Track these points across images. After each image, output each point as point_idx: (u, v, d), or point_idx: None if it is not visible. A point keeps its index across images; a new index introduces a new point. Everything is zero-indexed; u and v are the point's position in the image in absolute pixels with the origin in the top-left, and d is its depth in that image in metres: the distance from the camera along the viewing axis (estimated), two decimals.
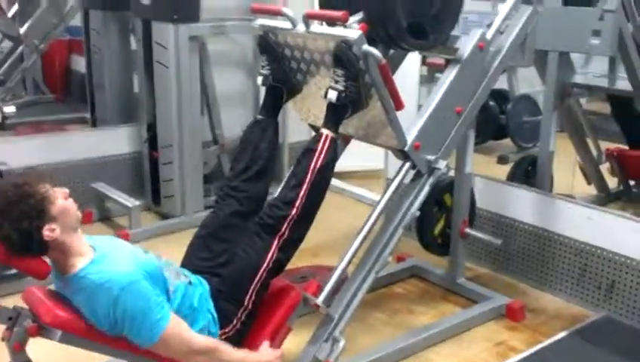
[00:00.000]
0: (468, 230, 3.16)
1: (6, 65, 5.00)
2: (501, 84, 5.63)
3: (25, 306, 1.90)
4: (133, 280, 1.80)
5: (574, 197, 3.52)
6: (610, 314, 3.04)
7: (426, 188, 2.53)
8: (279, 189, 2.30)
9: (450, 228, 3.21)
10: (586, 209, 3.14)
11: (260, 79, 2.48)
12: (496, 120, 5.43)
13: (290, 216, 2.10)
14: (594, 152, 4.16)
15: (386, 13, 2.36)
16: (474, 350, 2.79)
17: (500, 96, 5.50)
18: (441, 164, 2.51)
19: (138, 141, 4.26)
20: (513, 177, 3.89)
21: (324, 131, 2.23)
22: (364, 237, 2.39)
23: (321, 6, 2.62)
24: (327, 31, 2.27)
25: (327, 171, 2.21)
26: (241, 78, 4.65)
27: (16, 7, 4.80)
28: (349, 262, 2.36)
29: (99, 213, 4.11)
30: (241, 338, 2.14)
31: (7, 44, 5.30)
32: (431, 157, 2.51)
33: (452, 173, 3.13)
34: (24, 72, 5.65)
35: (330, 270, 2.42)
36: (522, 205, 3.36)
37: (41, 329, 1.84)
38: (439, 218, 3.23)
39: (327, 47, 2.25)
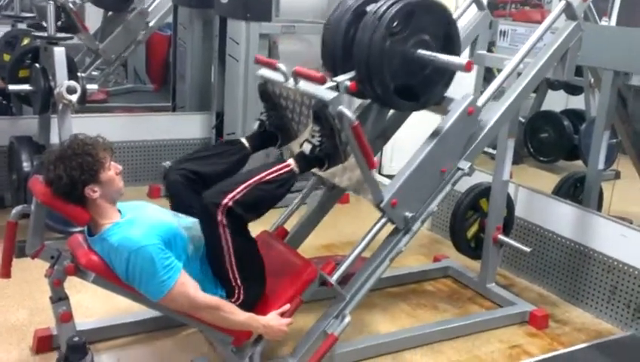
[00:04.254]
0: (500, 236, 3.24)
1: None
2: (578, 103, 5.57)
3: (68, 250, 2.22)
4: (142, 245, 2.04)
5: (631, 221, 3.42)
6: (637, 334, 3.02)
7: (404, 241, 2.56)
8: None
9: (484, 232, 3.31)
10: (620, 226, 3.14)
11: (256, 123, 2.69)
12: (570, 140, 5.37)
13: (223, 205, 2.15)
14: None
15: (373, 75, 2.39)
16: (486, 348, 2.88)
17: (575, 115, 5.45)
18: (417, 225, 2.53)
19: (209, 128, 4.63)
20: (558, 191, 3.90)
21: (290, 160, 2.33)
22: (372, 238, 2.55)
23: (323, 60, 2.63)
24: (309, 89, 2.33)
25: (269, 187, 2.24)
26: None
27: (99, 24, 5.44)
28: (363, 250, 2.53)
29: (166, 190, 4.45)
30: (253, 305, 2.34)
31: None
32: (409, 214, 2.51)
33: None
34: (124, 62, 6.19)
35: (364, 260, 2.61)
36: (561, 218, 3.39)
37: (78, 270, 2.15)
38: (473, 222, 3.33)
39: (310, 103, 2.41)
